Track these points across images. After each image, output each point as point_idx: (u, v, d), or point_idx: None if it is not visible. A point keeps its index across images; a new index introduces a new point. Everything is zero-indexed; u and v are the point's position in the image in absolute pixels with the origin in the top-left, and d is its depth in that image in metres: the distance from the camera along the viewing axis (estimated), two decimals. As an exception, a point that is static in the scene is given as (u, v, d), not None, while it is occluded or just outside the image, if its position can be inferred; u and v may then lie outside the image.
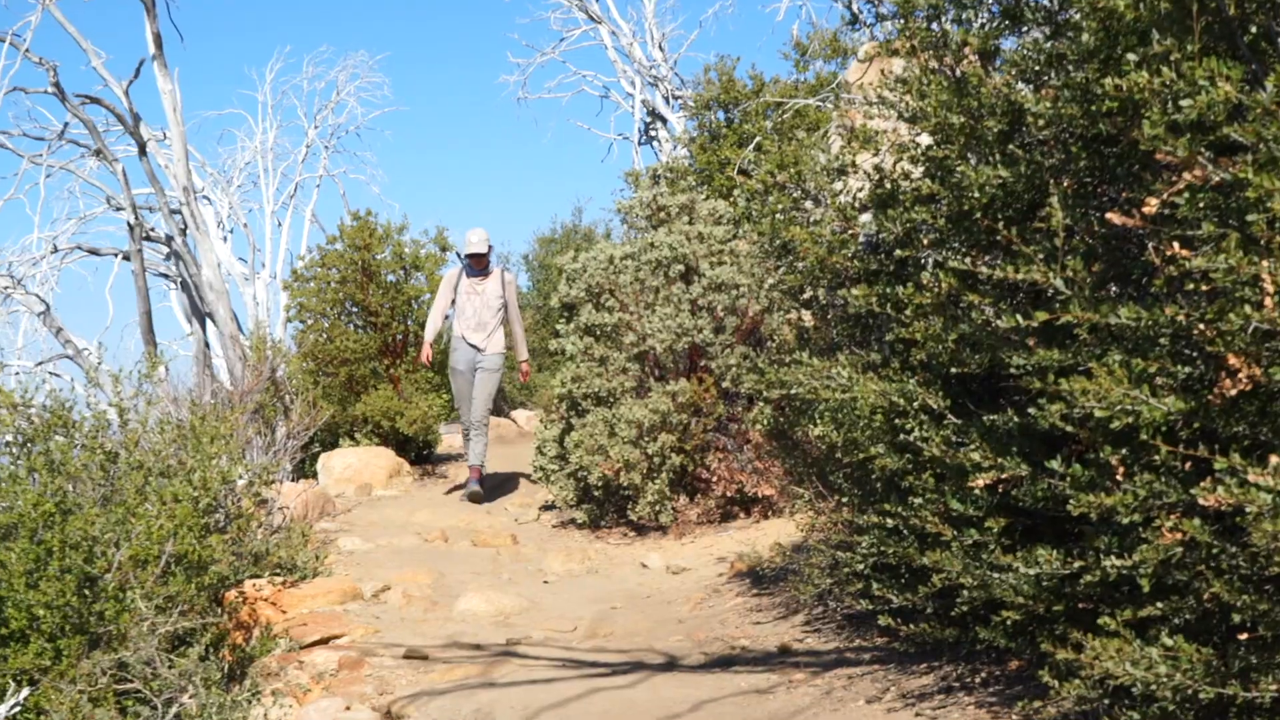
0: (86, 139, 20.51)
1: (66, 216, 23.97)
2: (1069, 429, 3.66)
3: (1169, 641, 3.46)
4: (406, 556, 9.71)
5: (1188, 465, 3.38)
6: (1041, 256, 3.70)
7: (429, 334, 12.64)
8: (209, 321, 20.19)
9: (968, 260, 4.09)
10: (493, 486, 14.47)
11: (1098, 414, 3.40)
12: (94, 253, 23.80)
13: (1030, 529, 4.29)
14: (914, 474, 4.58)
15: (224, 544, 6.30)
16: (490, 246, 12.50)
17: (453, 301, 12.59)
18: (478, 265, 12.42)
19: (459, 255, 12.98)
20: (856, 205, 5.40)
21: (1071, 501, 3.65)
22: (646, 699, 5.57)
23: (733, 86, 21.24)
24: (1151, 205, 3.36)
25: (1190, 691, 3.43)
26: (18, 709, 5.02)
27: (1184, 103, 3.15)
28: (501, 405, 26.51)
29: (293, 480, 13.77)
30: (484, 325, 12.37)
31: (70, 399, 6.39)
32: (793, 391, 5.19)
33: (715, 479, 9.99)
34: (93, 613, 5.38)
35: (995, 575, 4.21)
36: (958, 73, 4.57)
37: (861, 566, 5.35)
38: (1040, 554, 3.98)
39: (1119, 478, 3.55)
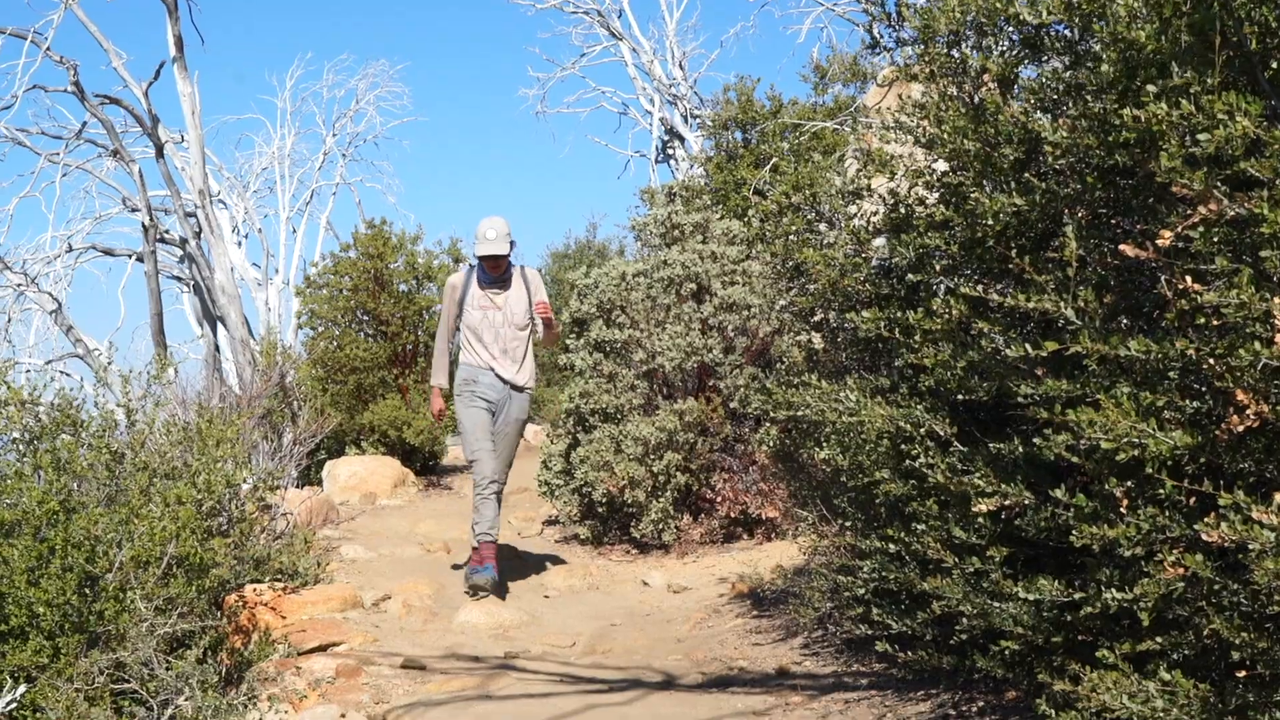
0: (104, 139, 20.61)
1: (82, 216, 24.16)
2: (1074, 460, 3.65)
3: (1167, 676, 3.45)
4: (408, 566, 9.70)
5: (1192, 500, 3.37)
6: (1053, 286, 3.69)
7: (437, 374, 9.30)
8: (220, 325, 20.28)
9: (979, 287, 4.09)
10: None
11: (1104, 446, 3.39)
12: (108, 253, 23.94)
13: (1032, 559, 4.28)
14: (918, 500, 4.57)
15: (226, 548, 6.29)
16: (513, 243, 8.82)
17: (458, 316, 8.98)
18: (494, 271, 8.82)
19: (473, 261, 8.97)
20: (870, 229, 5.40)
21: (1074, 532, 3.64)
22: (642, 717, 5.56)
23: (750, 107, 21.28)
24: (1166, 238, 3.35)
25: (1187, 727, 3.42)
26: (14, 705, 5.01)
27: (1202, 136, 3.15)
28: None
29: (298, 486, 13.77)
30: (510, 351, 8.85)
31: (79, 398, 6.37)
32: (800, 414, 5.19)
33: (719, 499, 9.98)
34: (93, 612, 5.37)
35: (995, 604, 4.20)
36: (975, 99, 4.57)
37: (862, 591, 5.34)
38: (1041, 584, 3.97)
39: (1123, 510, 3.54)
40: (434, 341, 9.69)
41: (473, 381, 8.83)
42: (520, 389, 8.92)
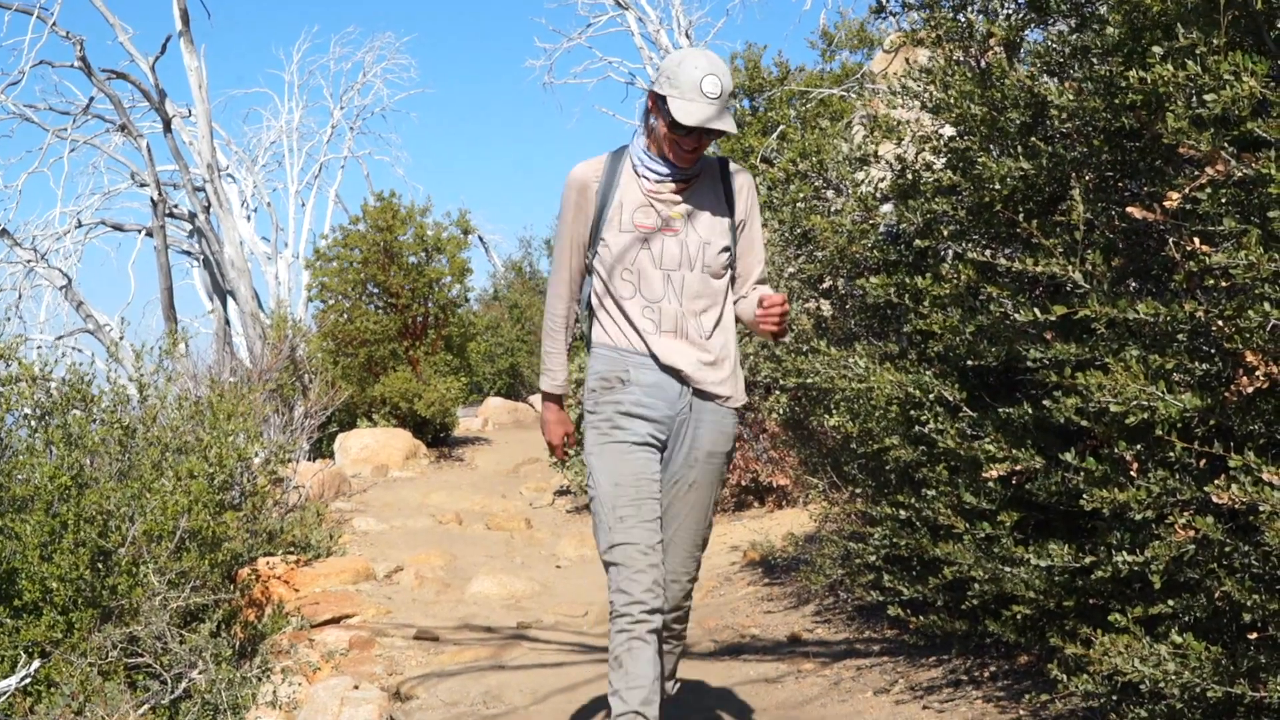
0: (111, 114, 20.63)
1: (90, 191, 24.16)
2: (1084, 423, 3.64)
3: (1178, 639, 3.45)
4: (420, 538, 9.73)
5: (1202, 462, 3.37)
6: (1061, 250, 3.68)
7: (550, 372, 4.25)
8: (230, 299, 20.32)
9: (987, 252, 4.08)
10: (508, 472, 14.48)
11: (1113, 409, 3.39)
12: (117, 228, 23.95)
13: (1043, 523, 4.27)
14: (928, 466, 4.57)
15: (238, 521, 6.31)
16: (731, 115, 3.89)
17: (591, 241, 4.04)
18: (686, 162, 3.91)
19: (649, 115, 3.91)
20: (878, 195, 5.38)
21: (1085, 496, 3.63)
22: (655, 685, 5.56)
23: (758, 74, 21.21)
24: (1173, 200, 3.34)
25: (1198, 690, 3.41)
26: (28, 680, 5.03)
27: (1208, 97, 3.13)
28: (519, 389, 26.43)
29: (309, 459, 13.82)
30: (698, 318, 3.99)
31: (90, 373, 6.38)
32: (809, 381, 5.18)
33: (730, 467, 9.97)
34: (105, 586, 5.39)
35: (1006, 569, 4.19)
36: (982, 64, 4.55)
37: (873, 558, 5.33)
38: (1052, 548, 3.96)
39: (1133, 473, 3.54)
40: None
41: (616, 385, 4.02)
42: (719, 398, 4.05)
